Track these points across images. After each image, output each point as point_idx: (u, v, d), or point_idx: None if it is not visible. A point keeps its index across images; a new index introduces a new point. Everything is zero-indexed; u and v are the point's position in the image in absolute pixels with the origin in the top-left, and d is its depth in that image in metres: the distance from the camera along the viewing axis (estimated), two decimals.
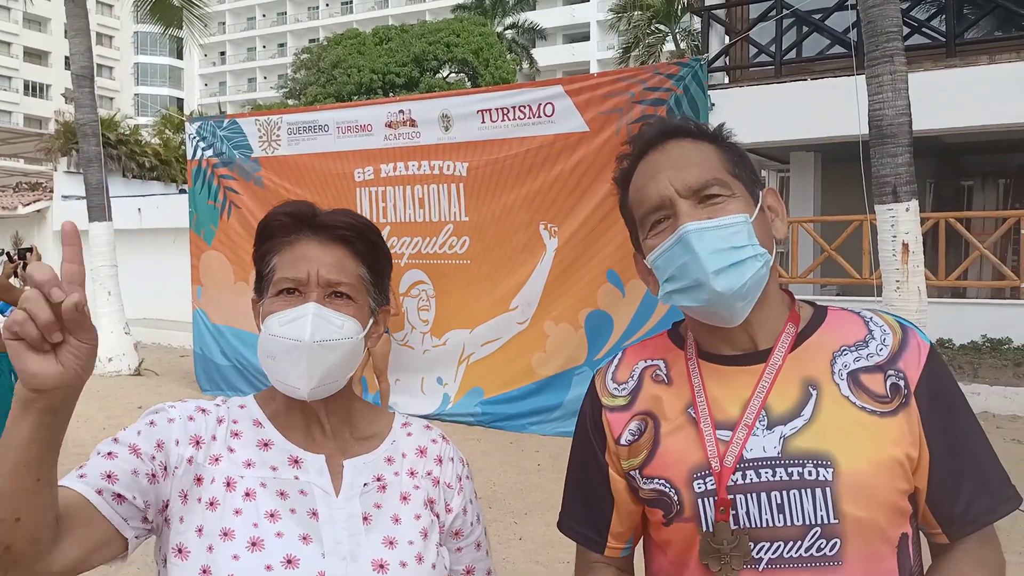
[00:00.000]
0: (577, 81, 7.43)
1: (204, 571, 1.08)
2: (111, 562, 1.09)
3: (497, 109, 7.48)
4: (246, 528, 1.10)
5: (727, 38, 11.53)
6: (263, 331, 1.17)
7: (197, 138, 9.41)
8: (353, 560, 1.12)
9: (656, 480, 1.15)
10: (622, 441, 1.20)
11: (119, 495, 1.07)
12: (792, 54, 10.63)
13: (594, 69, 44.48)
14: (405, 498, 1.21)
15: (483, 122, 7.54)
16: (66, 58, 59.92)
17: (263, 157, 8.82)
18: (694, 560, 1.11)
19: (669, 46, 26.81)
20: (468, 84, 29.71)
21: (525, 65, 36.20)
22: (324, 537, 1.12)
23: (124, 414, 8.52)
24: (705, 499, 1.10)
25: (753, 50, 11.14)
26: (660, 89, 6.75)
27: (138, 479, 1.09)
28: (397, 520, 1.18)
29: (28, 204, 19.24)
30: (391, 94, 28.44)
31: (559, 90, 7.28)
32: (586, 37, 51.30)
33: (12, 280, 5.36)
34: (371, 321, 1.23)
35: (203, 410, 1.21)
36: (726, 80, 11.30)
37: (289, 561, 1.09)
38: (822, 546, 1.06)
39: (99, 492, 1.05)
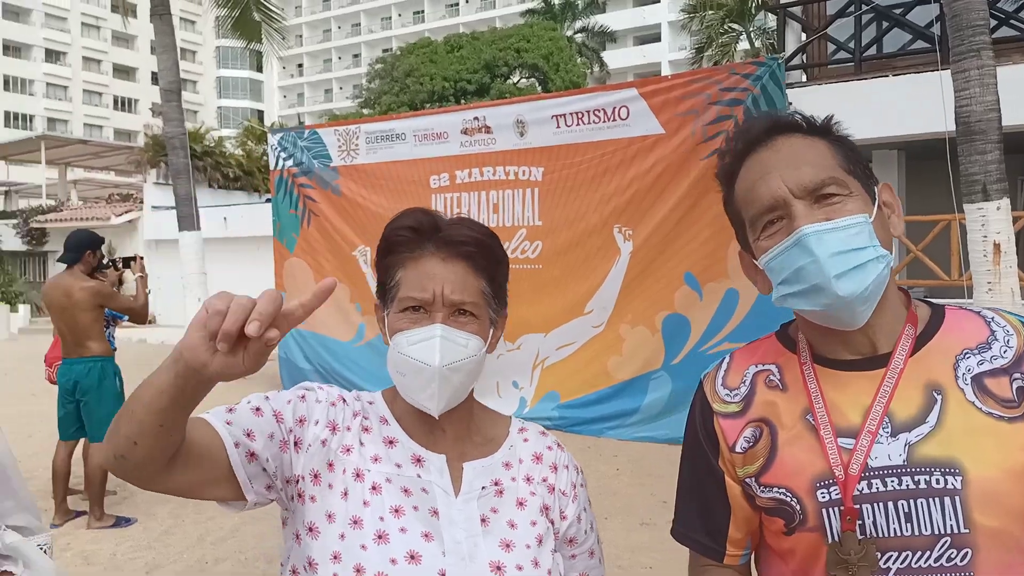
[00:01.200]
0: (651, 83, 7.40)
1: (335, 556, 1.13)
2: (226, 505, 1.17)
3: (572, 113, 7.50)
4: (373, 520, 1.15)
5: (804, 35, 11.29)
6: (392, 347, 1.21)
7: (279, 149, 9.70)
8: (471, 560, 1.15)
9: (776, 489, 1.13)
10: (737, 448, 1.18)
11: (253, 453, 1.14)
12: (872, 50, 10.34)
13: (666, 71, 44.07)
14: (521, 504, 1.23)
15: (558, 127, 7.57)
16: (152, 73, 62.39)
17: (342, 166, 9.04)
18: (819, 570, 1.09)
19: (743, 45, 26.35)
20: (539, 89, 29.79)
21: (595, 68, 36.09)
22: (444, 536, 1.16)
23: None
24: (830, 509, 1.08)
25: (831, 47, 10.88)
26: (736, 89, 6.67)
27: (272, 443, 1.16)
28: (513, 525, 1.20)
29: (120, 215, 20.13)
30: (462, 101, 28.73)
31: (633, 93, 7.26)
32: (657, 38, 50.86)
33: (120, 288, 5.62)
34: (491, 331, 1.25)
35: (344, 399, 1.26)
36: (804, 78, 11.07)
37: (412, 556, 1.13)
38: (952, 556, 1.03)
39: (236, 445, 1.13)
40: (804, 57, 11.20)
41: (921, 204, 11.15)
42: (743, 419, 1.18)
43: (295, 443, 1.18)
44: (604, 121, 7.36)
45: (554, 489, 1.27)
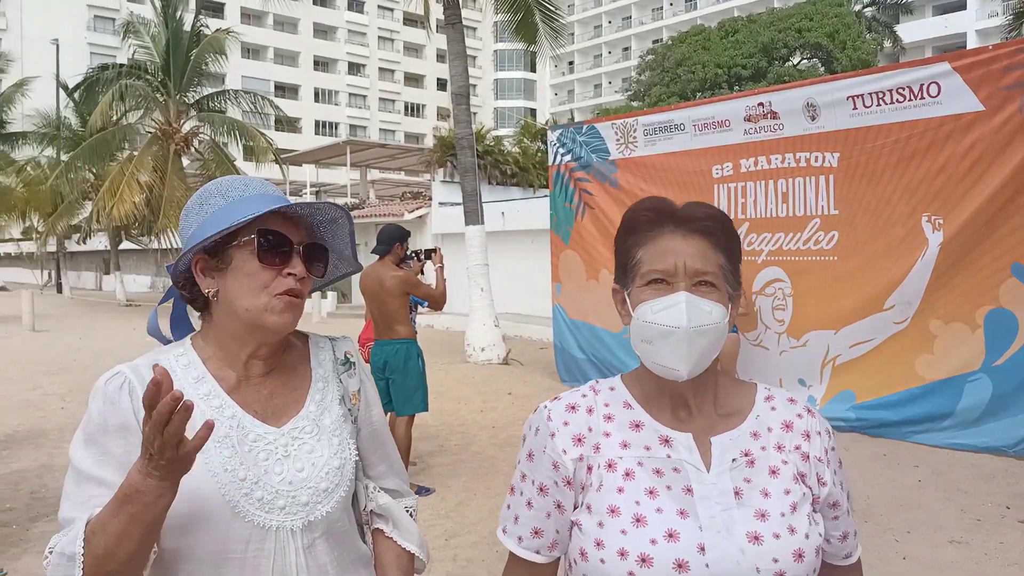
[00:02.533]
0: (968, 56, 6.62)
1: (598, 544, 1.19)
2: None
3: (871, 94, 6.91)
4: (629, 505, 1.20)
5: None
6: (636, 318, 1.25)
7: (558, 144, 9.97)
8: (728, 533, 1.17)
9: None
10: None
11: (553, 543, 1.29)
12: None
13: (972, 42, 39.42)
14: (774, 472, 1.24)
15: (855, 108, 7.02)
16: (438, 80, 67.33)
17: (620, 159, 9.09)
18: None
19: None
20: (821, 70, 27.99)
21: (887, 44, 33.18)
22: (700, 512, 1.18)
23: (496, 398, 9.33)
24: None
25: None
26: None
27: (552, 520, 1.28)
28: (767, 494, 1.21)
29: (412, 211, 21.86)
30: (736, 88, 27.77)
31: (945, 67, 6.53)
32: (962, 5, 45.58)
33: (420, 277, 6.09)
34: (729, 307, 1.26)
35: (572, 407, 1.31)
36: None
37: (670, 535, 1.16)
38: None
39: (538, 552, 1.29)
40: None
41: None
42: None
43: (567, 482, 1.27)
44: (909, 100, 6.70)
45: (808, 456, 1.27)
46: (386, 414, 5.88)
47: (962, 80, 6.39)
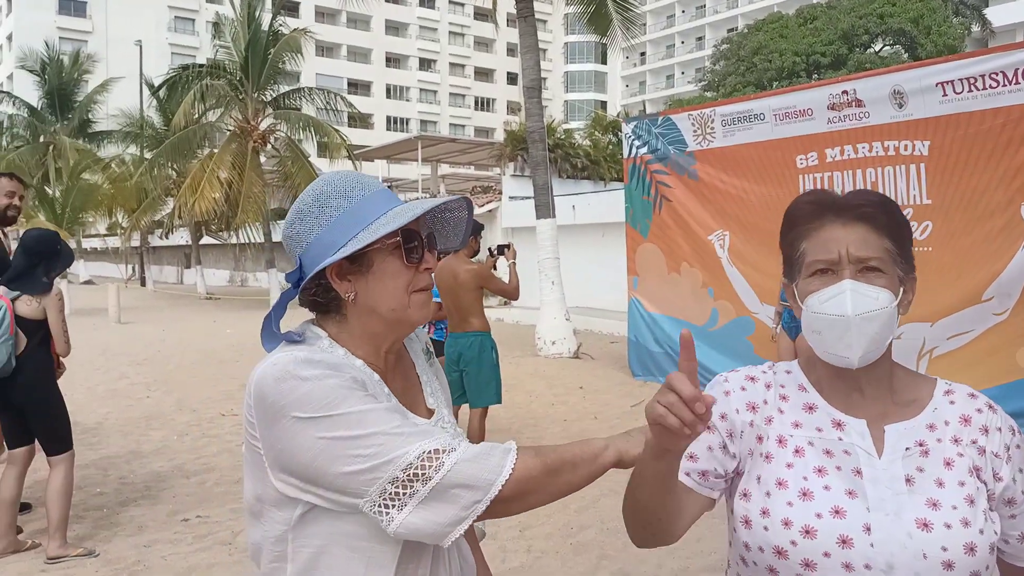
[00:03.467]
0: None
1: (764, 512, 1.25)
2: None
3: (961, 80, 6.61)
4: (797, 480, 1.24)
5: None
6: (805, 309, 1.28)
7: (633, 137, 9.84)
8: (897, 517, 1.19)
9: None
10: None
11: (703, 472, 1.33)
12: None
13: None
14: (948, 464, 1.24)
15: (944, 95, 6.72)
16: (508, 74, 67.45)
17: (698, 151, 8.92)
18: None
19: None
20: (905, 57, 27.02)
21: (975, 28, 31.81)
22: (869, 494, 1.21)
23: (567, 392, 9.28)
24: None
25: None
26: None
27: (713, 453, 1.33)
28: (940, 484, 1.22)
29: (483, 205, 21.94)
30: (815, 76, 27.04)
31: None
32: None
33: (492, 272, 6.09)
34: (901, 290, 1.27)
35: (752, 378, 1.38)
36: None
37: (836, 512, 1.20)
38: None
39: (687, 474, 1.33)
40: None
41: None
42: None
43: (730, 435, 1.33)
44: (1004, 85, 6.38)
45: (984, 451, 1.26)
46: (458, 406, 5.92)
47: None
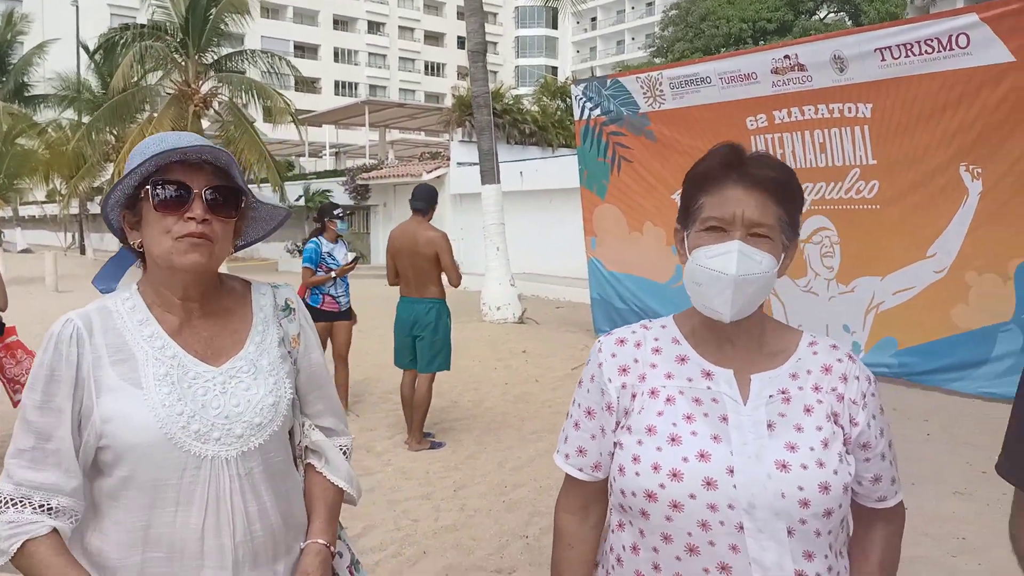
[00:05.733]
0: (996, 6, 6.38)
1: (635, 459, 1.32)
2: None
3: (899, 45, 6.71)
4: (667, 427, 1.31)
5: None
6: (690, 260, 1.34)
7: (583, 99, 9.80)
8: (758, 459, 1.26)
9: None
10: None
11: (595, 464, 1.41)
12: None
13: None
14: (808, 410, 1.32)
15: (883, 60, 6.82)
16: (458, 38, 66.57)
17: (651, 112, 8.95)
18: None
19: None
20: (849, 23, 27.36)
21: None
22: (733, 438, 1.28)
23: (511, 356, 9.30)
24: None
25: None
26: None
27: (597, 440, 1.40)
28: (799, 429, 1.30)
29: (430, 171, 21.73)
30: (761, 42, 27.22)
31: (974, 19, 6.32)
32: None
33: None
34: (783, 256, 1.34)
35: (621, 341, 1.43)
36: None
37: (702, 455, 1.27)
38: None
39: (580, 469, 1.42)
40: None
41: None
42: None
43: (608, 408, 1.39)
44: (939, 51, 6.51)
45: (843, 398, 1.34)
46: (410, 371, 5.89)
47: (991, 31, 6.19)
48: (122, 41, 22.93)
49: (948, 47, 6.47)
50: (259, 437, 1.44)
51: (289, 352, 1.55)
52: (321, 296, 6.44)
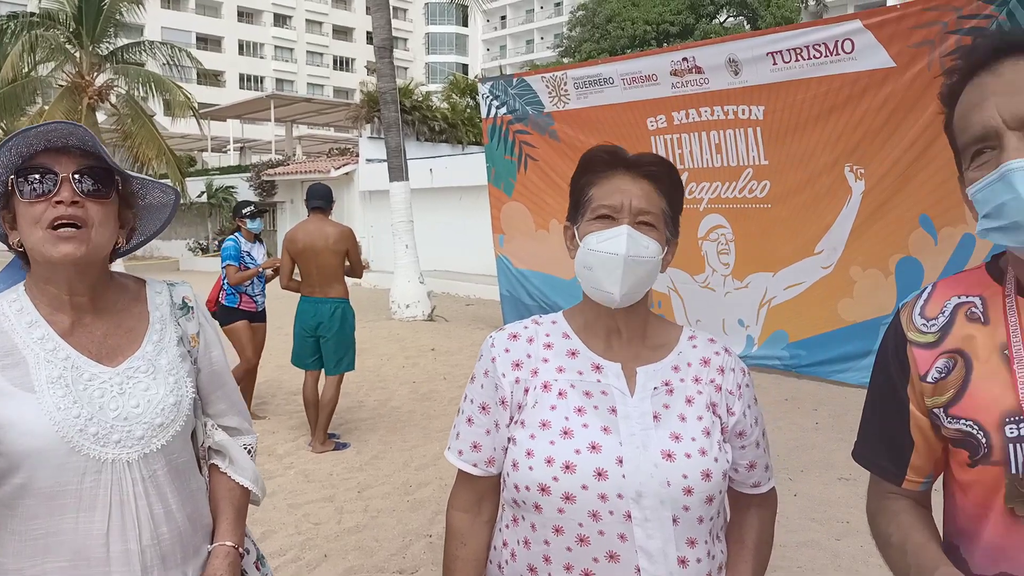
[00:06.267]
0: (878, 14, 6.74)
1: (528, 453, 1.34)
2: None
3: (789, 50, 6.98)
4: (559, 420, 1.34)
5: None
6: (581, 246, 1.39)
7: (490, 97, 9.84)
8: (645, 449, 1.32)
9: (963, 421, 1.12)
10: (928, 379, 1.17)
11: (489, 459, 1.43)
12: None
13: (892, 0, 40.30)
14: (689, 401, 1.38)
15: (775, 64, 7.09)
16: (368, 33, 65.61)
17: (556, 112, 9.05)
18: (998, 504, 1.08)
19: None
20: (747, 27, 28.28)
21: (811, 2, 33.62)
22: (621, 429, 1.33)
23: (419, 354, 9.28)
24: (1018, 445, 1.06)
25: None
26: (979, 16, 5.89)
27: (491, 435, 1.42)
28: (683, 419, 1.36)
29: (339, 168, 21.42)
30: (665, 44, 27.85)
31: (857, 25, 6.64)
32: None
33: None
34: (666, 249, 1.40)
35: (514, 336, 1.47)
36: None
37: (593, 447, 1.31)
38: None
39: (475, 465, 1.44)
40: None
41: None
42: (937, 350, 1.17)
43: (502, 402, 1.41)
44: (826, 56, 6.80)
45: (721, 389, 1.41)
46: (313, 371, 5.80)
47: (874, 37, 6.50)
48: (10, 30, 21.73)
49: (835, 52, 6.76)
50: (161, 438, 1.40)
51: (188, 351, 1.52)
52: (239, 296, 6.26)
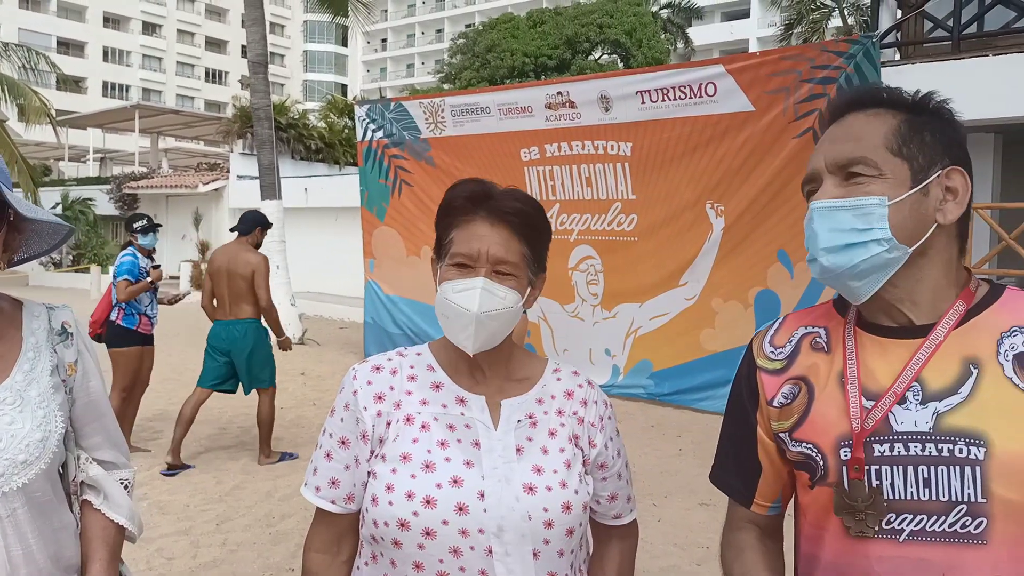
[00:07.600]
0: (739, 60, 7.20)
1: (388, 487, 1.30)
2: None
3: (657, 90, 7.35)
4: (421, 453, 1.32)
5: (899, 12, 10.74)
6: (439, 293, 1.37)
7: (367, 120, 9.80)
8: (507, 483, 1.30)
9: (804, 444, 1.18)
10: (774, 403, 1.24)
11: (349, 496, 1.38)
12: (972, 28, 9.78)
13: (753, 47, 42.79)
14: (552, 433, 1.38)
15: (643, 103, 7.44)
16: (242, 47, 63.66)
17: (432, 138, 9.11)
18: (833, 524, 1.14)
19: (835, 22, 25.38)
20: (620, 65, 29.35)
21: (680, 45, 35.29)
22: (484, 463, 1.31)
23: (289, 380, 9.02)
24: (849, 465, 1.12)
25: (928, 24, 10.34)
26: (829, 67, 6.42)
27: (351, 470, 1.37)
28: (545, 451, 1.35)
29: (208, 183, 20.70)
30: (543, 77, 28.54)
31: (720, 69, 7.06)
32: (746, 14, 49.39)
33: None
34: (529, 290, 1.40)
35: (377, 368, 1.43)
36: (897, 57, 10.56)
37: (455, 481, 1.29)
38: (967, 523, 1.06)
39: (333, 502, 1.39)
40: (898, 35, 10.68)
41: (1018, 190, 10.55)
42: (783, 376, 1.24)
43: (363, 437, 1.37)
44: (691, 97, 7.20)
45: (583, 421, 1.41)
46: (211, 391, 5.86)
47: (735, 82, 6.93)
48: None
49: (699, 94, 7.16)
50: (23, 476, 1.30)
51: (64, 380, 1.42)
52: (138, 317, 5.90)
